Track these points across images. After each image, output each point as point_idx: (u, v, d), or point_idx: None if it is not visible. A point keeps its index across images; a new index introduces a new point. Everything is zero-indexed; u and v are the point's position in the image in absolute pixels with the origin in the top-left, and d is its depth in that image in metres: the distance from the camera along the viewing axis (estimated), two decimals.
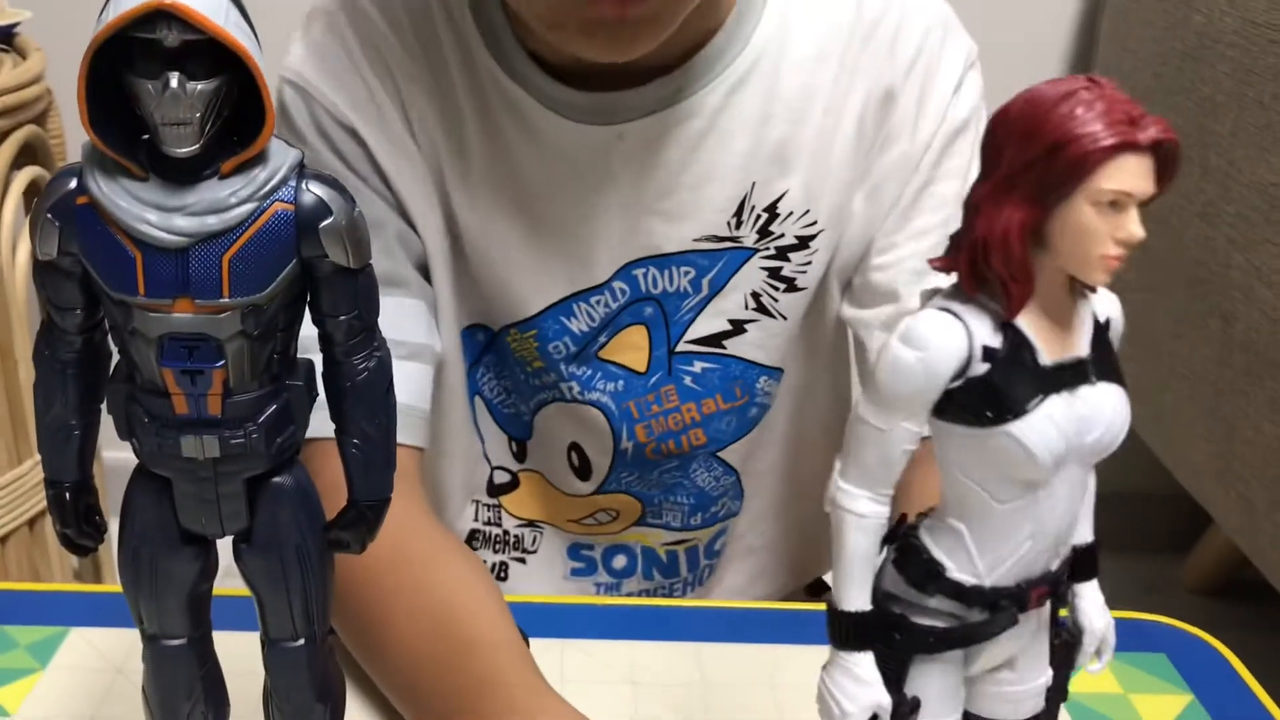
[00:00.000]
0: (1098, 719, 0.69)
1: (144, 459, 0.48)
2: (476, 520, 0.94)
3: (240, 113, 0.43)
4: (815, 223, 0.82)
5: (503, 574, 0.95)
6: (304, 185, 0.44)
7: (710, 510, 0.92)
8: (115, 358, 0.48)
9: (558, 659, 0.70)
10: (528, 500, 0.93)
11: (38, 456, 1.09)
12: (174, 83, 0.41)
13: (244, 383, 0.46)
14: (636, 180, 0.80)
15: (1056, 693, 0.51)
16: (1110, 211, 0.41)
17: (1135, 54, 1.54)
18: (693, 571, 0.96)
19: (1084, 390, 0.44)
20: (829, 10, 0.80)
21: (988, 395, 0.43)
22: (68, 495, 0.50)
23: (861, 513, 0.45)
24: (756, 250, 0.82)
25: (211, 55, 0.41)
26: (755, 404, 0.88)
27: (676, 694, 0.69)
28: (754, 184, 0.80)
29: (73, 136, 1.47)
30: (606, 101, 0.78)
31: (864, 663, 0.46)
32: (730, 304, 0.84)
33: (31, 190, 1.35)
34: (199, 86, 0.41)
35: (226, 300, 0.44)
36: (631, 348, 0.85)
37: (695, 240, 0.81)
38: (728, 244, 0.82)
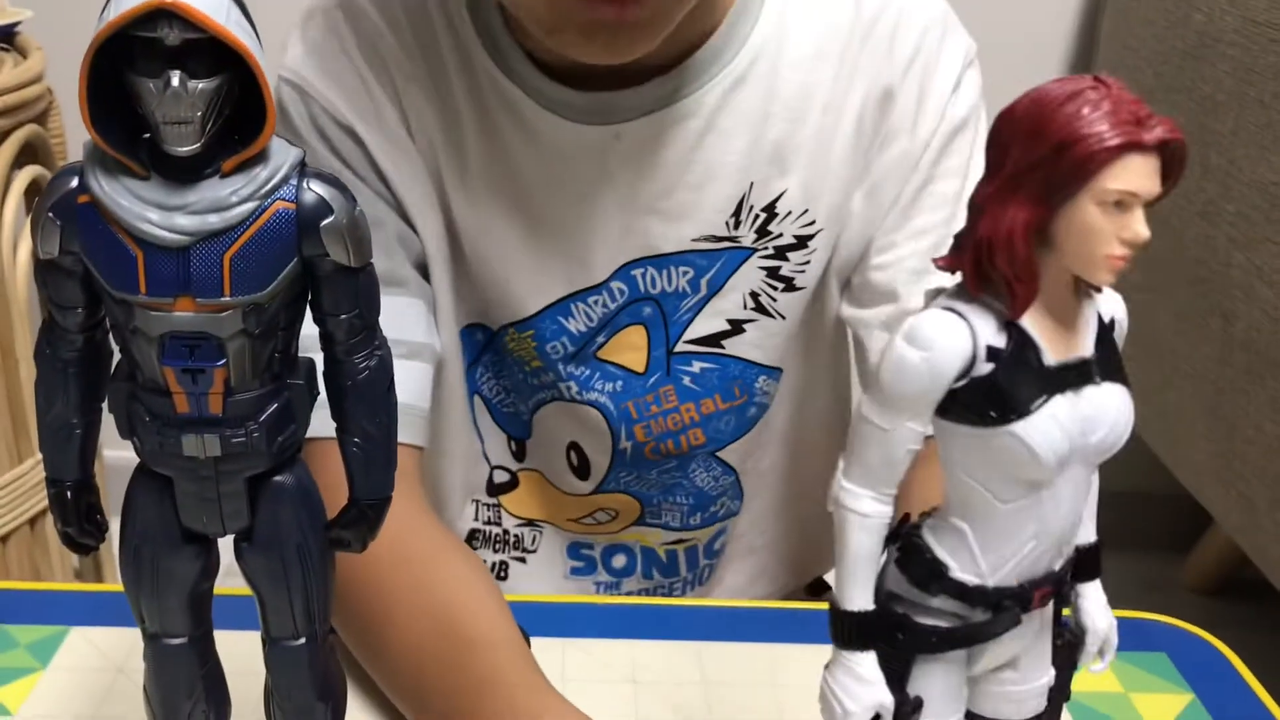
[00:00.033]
0: (1099, 718, 0.69)
1: (145, 458, 0.48)
2: (477, 520, 0.94)
3: (241, 111, 0.43)
4: (814, 222, 0.82)
5: (503, 573, 0.95)
6: (305, 184, 0.44)
7: (709, 510, 0.92)
8: (116, 356, 0.48)
9: (559, 658, 0.70)
10: (527, 499, 0.93)
11: (39, 455, 1.09)
12: (175, 81, 0.41)
13: (245, 381, 0.46)
14: (634, 180, 0.80)
15: (1059, 692, 0.51)
16: (1116, 211, 0.41)
17: (1136, 52, 1.54)
18: (692, 571, 0.96)
19: (1088, 390, 0.44)
20: (827, 9, 0.80)
21: (992, 395, 0.43)
22: (69, 494, 0.50)
23: (865, 512, 0.45)
24: (755, 250, 0.82)
25: (213, 54, 0.41)
26: (754, 403, 0.88)
27: (677, 693, 0.69)
28: (752, 184, 0.80)
29: (73, 136, 1.47)
30: (604, 101, 0.78)
31: (866, 662, 0.46)
32: (729, 304, 0.84)
33: (32, 189, 1.35)
34: (200, 85, 0.41)
35: (228, 299, 0.44)
36: (630, 348, 0.85)
37: (694, 240, 0.81)
38: (726, 244, 0.82)
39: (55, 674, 0.69)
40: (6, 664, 0.70)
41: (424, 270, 0.82)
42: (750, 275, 0.83)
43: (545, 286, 0.83)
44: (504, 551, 0.94)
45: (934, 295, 0.44)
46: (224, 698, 0.54)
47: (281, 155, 0.44)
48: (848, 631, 0.46)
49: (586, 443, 0.89)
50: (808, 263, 0.83)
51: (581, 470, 0.90)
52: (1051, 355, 0.44)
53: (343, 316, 0.46)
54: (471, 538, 0.94)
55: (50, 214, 0.44)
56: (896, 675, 0.47)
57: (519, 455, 0.92)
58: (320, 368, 0.49)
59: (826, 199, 0.81)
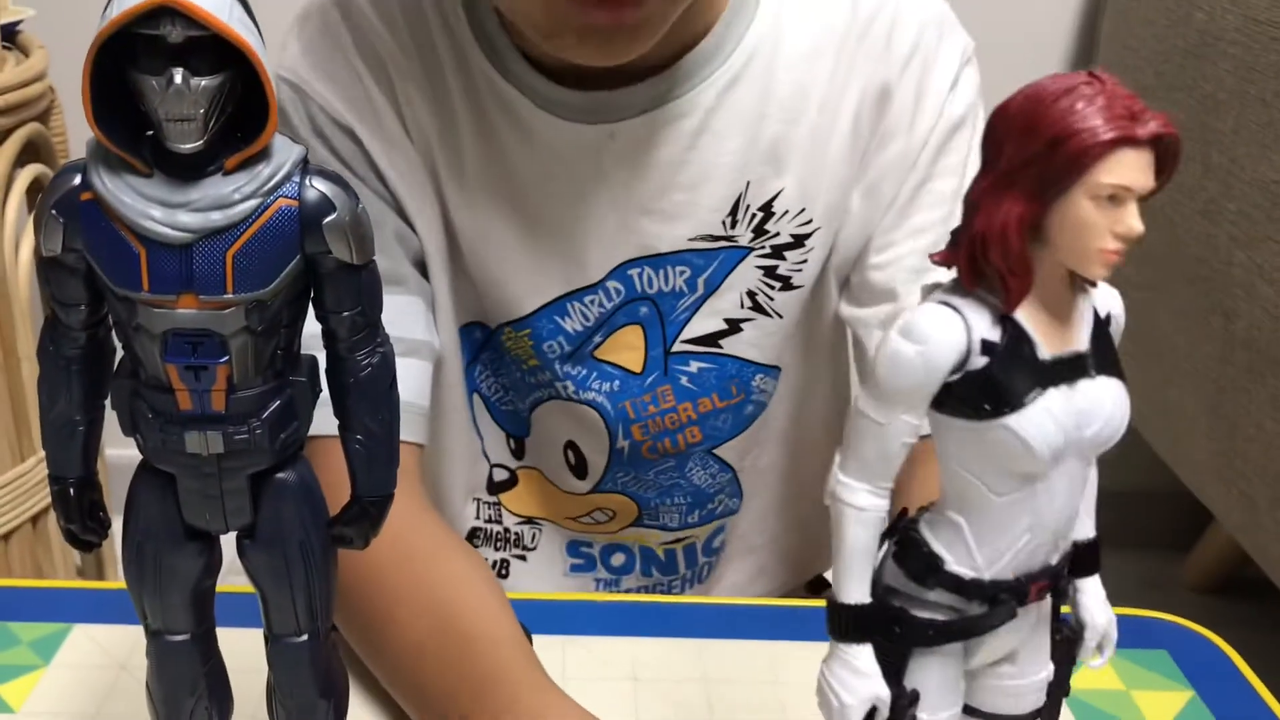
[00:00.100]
0: (1100, 715, 0.69)
1: (148, 455, 0.48)
2: (478, 518, 0.94)
3: (244, 109, 0.43)
4: (811, 221, 0.82)
5: (504, 571, 0.95)
6: (308, 181, 0.44)
7: (707, 507, 0.92)
8: (119, 354, 0.48)
9: (560, 656, 0.70)
10: (526, 497, 0.94)
11: (41, 453, 1.09)
12: (178, 79, 0.41)
13: (248, 378, 0.46)
14: (630, 180, 0.80)
15: (1058, 688, 0.51)
16: (1109, 206, 0.41)
17: (1137, 51, 1.54)
18: (691, 569, 0.96)
19: (1083, 384, 0.45)
20: (823, 8, 0.80)
21: (986, 388, 0.43)
22: (72, 491, 0.50)
23: (861, 506, 0.46)
24: (752, 249, 0.82)
25: (215, 51, 0.41)
26: (751, 401, 0.88)
27: (678, 690, 0.70)
28: (749, 183, 0.80)
29: (75, 134, 1.47)
30: (599, 100, 0.78)
31: (863, 655, 0.47)
32: (726, 303, 0.84)
33: (34, 188, 1.35)
34: (203, 82, 0.41)
35: (230, 296, 0.44)
36: (627, 348, 0.85)
37: (690, 240, 0.81)
38: (723, 243, 0.82)
39: (58, 671, 0.69)
40: (9, 661, 0.70)
41: (423, 268, 0.82)
42: (747, 274, 0.83)
43: (542, 286, 0.83)
44: (505, 549, 0.95)
45: (930, 290, 0.45)
46: (226, 695, 0.54)
47: (284, 153, 0.44)
48: (844, 624, 0.47)
49: (584, 442, 0.89)
50: (805, 262, 0.83)
51: (579, 470, 0.90)
52: (1046, 349, 0.44)
53: (345, 314, 0.46)
54: (472, 536, 0.94)
55: (53, 211, 0.44)
56: (893, 668, 0.47)
57: (518, 453, 0.92)
58: (322, 365, 0.49)
59: (823, 198, 0.81)
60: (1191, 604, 1.86)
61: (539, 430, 0.90)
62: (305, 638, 0.51)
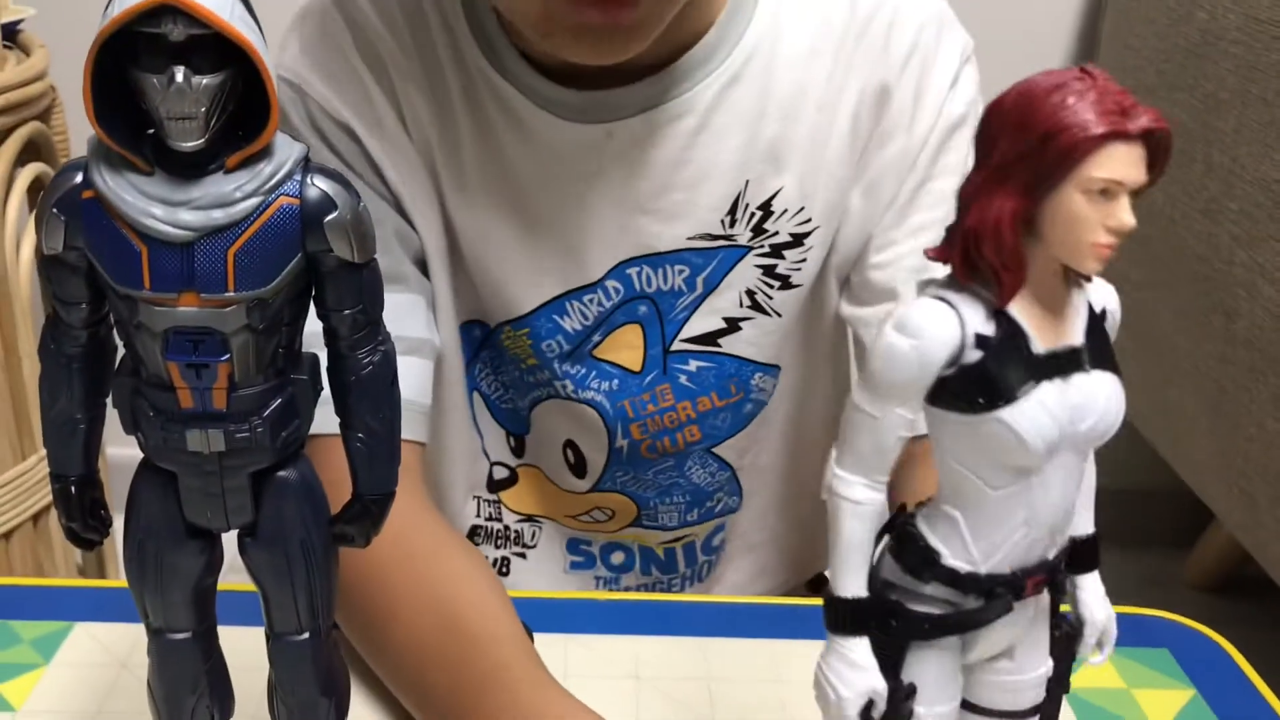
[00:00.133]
0: (1100, 713, 0.69)
1: (149, 453, 0.48)
2: (478, 516, 0.94)
3: (245, 107, 0.43)
4: (810, 220, 0.82)
5: (504, 569, 0.95)
6: (309, 180, 0.44)
7: (706, 505, 0.92)
8: (120, 352, 0.48)
9: (561, 654, 0.70)
10: (526, 495, 0.94)
11: (42, 452, 1.08)
12: (179, 77, 0.41)
13: (249, 377, 0.46)
14: (628, 179, 0.80)
15: (1057, 684, 0.51)
16: (1101, 200, 0.41)
17: (1138, 51, 1.54)
18: (691, 567, 0.96)
19: (1078, 378, 0.45)
20: (822, 7, 0.80)
21: (980, 382, 0.43)
22: (73, 489, 0.50)
23: (857, 499, 0.46)
24: (751, 248, 0.82)
25: (217, 49, 0.41)
26: (750, 400, 0.88)
27: (679, 688, 0.70)
28: (748, 182, 0.80)
29: (77, 133, 1.47)
30: (597, 100, 0.78)
31: (859, 648, 0.47)
32: (725, 302, 0.84)
33: (35, 187, 1.35)
34: (204, 81, 0.41)
35: (232, 294, 0.44)
36: (626, 346, 0.85)
37: (689, 239, 0.81)
38: (722, 242, 0.82)
39: (59, 669, 0.69)
40: (10, 659, 0.70)
41: (423, 267, 0.82)
42: (746, 273, 0.83)
43: (540, 285, 0.83)
44: (505, 547, 0.95)
45: (925, 285, 0.45)
46: (227, 693, 0.54)
47: (285, 151, 0.44)
48: (841, 617, 0.47)
49: (583, 441, 0.89)
50: (804, 260, 0.83)
51: (578, 468, 0.90)
52: (1040, 343, 0.44)
53: (346, 312, 0.47)
54: (473, 534, 0.94)
55: (54, 209, 0.44)
56: (891, 662, 0.47)
57: (518, 451, 0.92)
58: (324, 363, 0.49)
59: (822, 196, 0.81)
60: (1192, 602, 1.86)
61: (538, 429, 0.90)
62: (306, 636, 0.51)
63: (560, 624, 0.74)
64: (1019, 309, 0.44)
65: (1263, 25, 1.27)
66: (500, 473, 0.93)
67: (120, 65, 0.42)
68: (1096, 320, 0.46)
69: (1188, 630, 0.77)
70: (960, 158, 0.81)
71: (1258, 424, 1.32)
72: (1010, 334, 0.44)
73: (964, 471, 0.45)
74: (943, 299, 0.44)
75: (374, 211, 0.80)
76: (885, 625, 0.47)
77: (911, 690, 0.47)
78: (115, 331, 0.48)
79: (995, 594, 0.46)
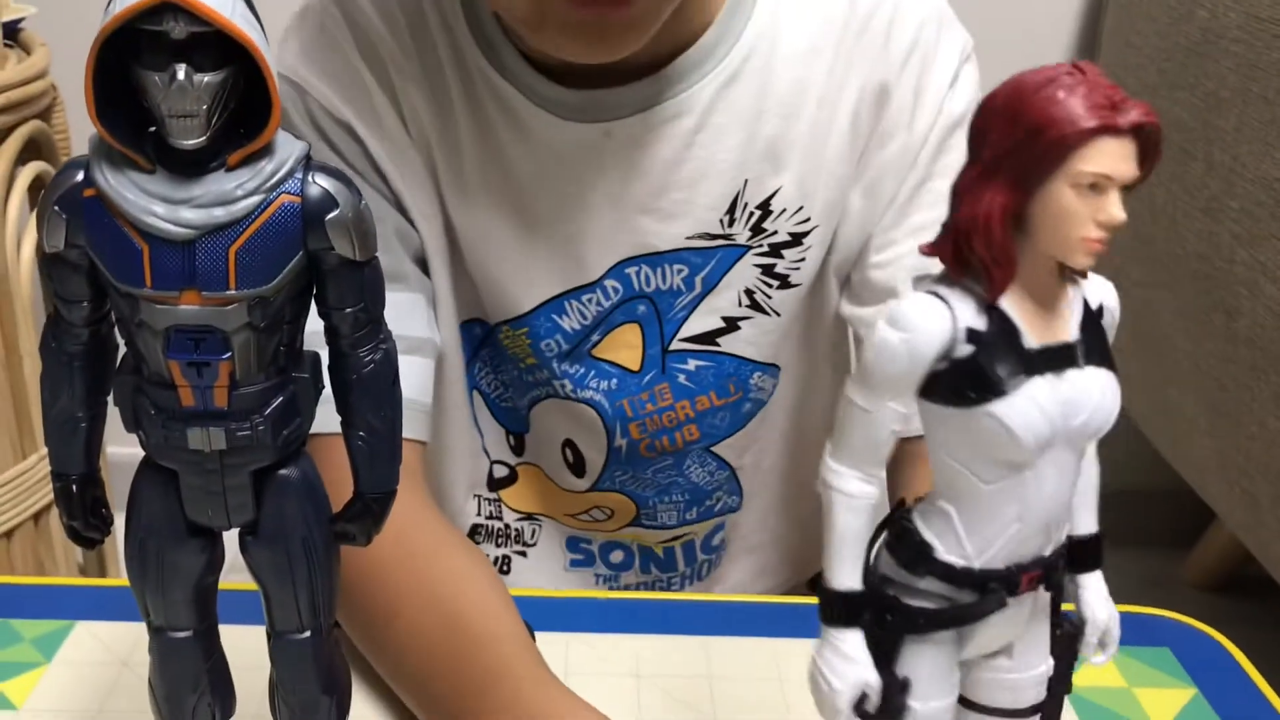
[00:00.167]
0: (1102, 712, 0.69)
1: (150, 451, 0.48)
2: (479, 515, 0.94)
3: (246, 104, 0.43)
4: (809, 219, 0.82)
5: (505, 568, 0.95)
6: (310, 178, 0.44)
7: (705, 504, 0.92)
8: (122, 350, 0.48)
9: (562, 652, 0.70)
10: (526, 494, 0.94)
11: (43, 451, 1.08)
12: (181, 75, 0.41)
13: (250, 375, 0.46)
14: (626, 178, 0.80)
15: (1059, 683, 0.51)
16: (1091, 194, 0.41)
17: (1139, 49, 1.54)
18: (690, 566, 0.96)
19: (1071, 374, 0.45)
20: (821, 5, 0.80)
21: (971, 376, 0.44)
22: (74, 487, 0.50)
23: (850, 492, 0.46)
24: (749, 247, 0.82)
25: (218, 47, 0.41)
26: (749, 400, 0.88)
27: (681, 687, 0.70)
28: (746, 181, 0.80)
29: (77, 132, 1.47)
30: (595, 99, 0.78)
31: (851, 640, 0.47)
32: (724, 301, 0.84)
33: (36, 186, 1.35)
34: (206, 78, 0.41)
35: (233, 292, 0.44)
36: (625, 346, 0.85)
37: (688, 238, 0.81)
38: (721, 241, 0.82)
39: (60, 668, 0.69)
40: (11, 658, 0.70)
41: (423, 265, 0.82)
42: (745, 273, 0.83)
43: (539, 284, 0.83)
44: (506, 546, 0.95)
45: (921, 281, 0.45)
46: (229, 692, 0.54)
47: (287, 149, 0.44)
48: (834, 609, 0.47)
49: (581, 440, 0.89)
50: (803, 260, 0.83)
51: (577, 467, 0.90)
52: (1033, 338, 0.44)
53: (348, 310, 0.47)
54: (474, 533, 0.94)
55: (56, 207, 0.44)
56: (885, 656, 0.47)
57: (517, 450, 0.92)
58: (325, 362, 0.49)
59: (821, 195, 0.81)
60: (1193, 602, 1.86)
61: (537, 428, 0.90)
62: (308, 634, 0.51)
63: (561, 622, 0.74)
64: (1011, 304, 0.44)
65: (1264, 24, 1.27)
66: (500, 471, 0.93)
67: (122, 63, 0.42)
68: (1093, 316, 0.46)
69: (1189, 629, 0.77)
70: (960, 157, 0.80)
71: (1259, 423, 1.32)
72: (1002, 328, 0.44)
73: (957, 466, 0.46)
74: (935, 293, 0.44)
75: (374, 210, 0.80)
76: (881, 619, 0.47)
77: (905, 685, 0.47)
78: (116, 329, 0.48)
79: (989, 589, 0.46)
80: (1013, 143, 0.42)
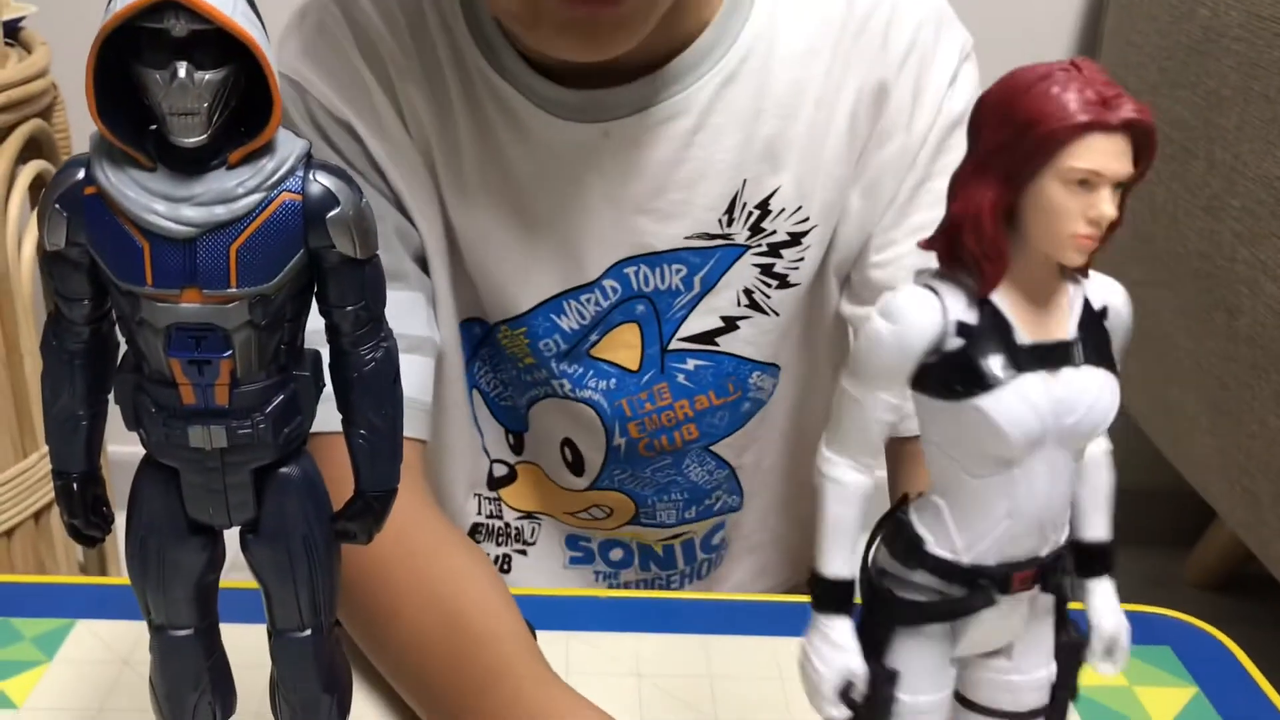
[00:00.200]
0: (1103, 711, 0.69)
1: (151, 449, 0.48)
2: (479, 514, 0.94)
3: (247, 103, 0.43)
4: (808, 219, 0.82)
5: (505, 566, 0.95)
6: (311, 176, 0.44)
7: (704, 503, 0.92)
8: (123, 348, 0.48)
9: (563, 651, 0.70)
10: (526, 492, 0.94)
11: (43, 449, 1.08)
12: (182, 72, 0.41)
13: (251, 373, 0.46)
14: (625, 178, 0.80)
15: (1062, 689, 0.50)
16: (1081, 191, 0.41)
17: (1140, 48, 1.54)
18: (689, 564, 0.96)
19: (1065, 372, 0.45)
20: (818, 6, 0.80)
21: (960, 369, 0.44)
22: (75, 485, 0.50)
23: (843, 480, 0.46)
24: (748, 247, 0.82)
25: (219, 45, 0.41)
26: (748, 399, 0.88)
27: (682, 686, 0.70)
28: (745, 181, 0.80)
29: (78, 131, 1.47)
30: (593, 99, 0.78)
31: (839, 627, 0.47)
32: (722, 301, 0.84)
33: (37, 185, 1.35)
34: (206, 76, 0.41)
35: (234, 290, 0.44)
36: (624, 346, 0.85)
37: (686, 238, 0.81)
38: (719, 241, 0.82)
39: (60, 667, 0.69)
40: (12, 657, 0.70)
41: (423, 264, 0.82)
42: (744, 272, 0.83)
43: (538, 284, 0.83)
44: (506, 545, 0.95)
45: (919, 275, 0.45)
46: (230, 690, 0.54)
47: (288, 147, 0.44)
48: (823, 596, 0.47)
49: (580, 439, 0.89)
50: (802, 259, 0.83)
51: (576, 467, 0.90)
52: (1025, 335, 0.44)
53: (349, 308, 0.47)
54: (475, 531, 0.94)
55: (57, 205, 0.44)
56: (876, 647, 0.47)
57: (516, 449, 0.92)
58: (326, 360, 0.49)
59: (820, 195, 0.81)
60: (1194, 601, 1.86)
61: (536, 427, 0.90)
62: (308, 633, 0.51)
63: (562, 621, 0.74)
64: (1004, 299, 0.44)
65: (1265, 22, 1.27)
66: (500, 470, 0.93)
67: (123, 61, 0.42)
68: (1094, 316, 0.46)
69: (1190, 628, 0.77)
70: (960, 156, 0.81)
71: (1260, 421, 1.32)
72: (993, 323, 0.44)
73: (947, 460, 0.46)
74: (928, 286, 0.44)
75: (375, 208, 0.81)
76: (872, 609, 0.47)
77: (892, 676, 0.47)
78: (117, 328, 0.48)
79: (979, 585, 0.46)
80: (1004, 137, 0.42)
